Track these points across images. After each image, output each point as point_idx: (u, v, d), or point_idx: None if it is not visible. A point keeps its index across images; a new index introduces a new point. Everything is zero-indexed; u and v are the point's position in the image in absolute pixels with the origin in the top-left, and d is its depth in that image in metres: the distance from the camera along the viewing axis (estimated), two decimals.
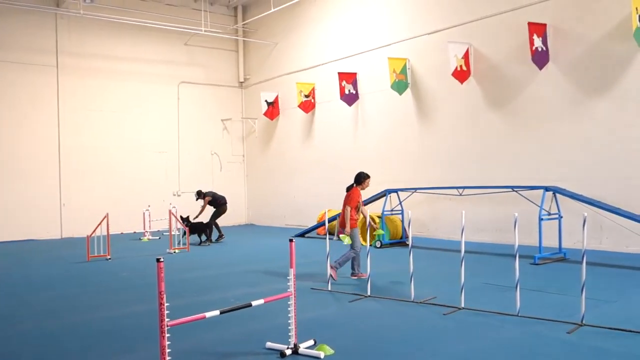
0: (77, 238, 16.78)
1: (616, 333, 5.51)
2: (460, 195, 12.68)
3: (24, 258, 12.77)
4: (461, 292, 6.66)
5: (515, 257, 6.31)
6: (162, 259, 4.14)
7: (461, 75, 13.44)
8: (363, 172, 9.07)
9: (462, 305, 6.63)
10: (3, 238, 16.43)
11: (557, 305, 6.79)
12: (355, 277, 8.99)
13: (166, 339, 4.09)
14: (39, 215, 17.24)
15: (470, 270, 6.78)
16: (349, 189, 9.03)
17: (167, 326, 4.11)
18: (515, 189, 11.56)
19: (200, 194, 15.53)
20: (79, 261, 11.88)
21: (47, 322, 6.65)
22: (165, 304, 4.12)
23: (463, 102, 13.82)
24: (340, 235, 8.82)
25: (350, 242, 8.65)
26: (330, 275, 8.26)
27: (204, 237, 14.87)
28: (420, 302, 7.03)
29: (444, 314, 6.43)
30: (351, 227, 8.75)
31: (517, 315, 6.17)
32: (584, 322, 5.75)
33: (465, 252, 6.78)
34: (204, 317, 4.52)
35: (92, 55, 18.35)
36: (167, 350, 4.11)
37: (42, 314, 7.09)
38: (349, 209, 8.74)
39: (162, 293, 4.10)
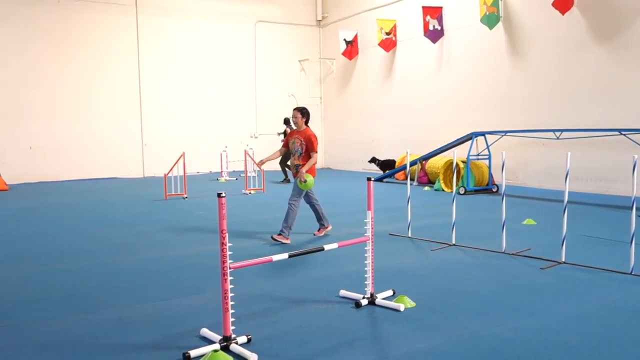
0: (158, 177, 17.03)
1: None
2: (557, 139, 11.52)
3: (106, 195, 13.01)
4: (562, 244, 5.86)
5: (632, 207, 5.43)
6: (223, 194, 3.68)
7: (563, 4, 11.99)
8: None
9: (563, 259, 5.84)
10: (91, 175, 16.96)
11: None
12: (322, 233, 7.80)
13: (228, 282, 3.68)
14: (122, 155, 17.60)
15: (568, 222, 5.93)
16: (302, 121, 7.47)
17: (230, 269, 3.68)
18: (624, 132, 10.29)
19: (287, 122, 15.11)
20: (156, 199, 11.92)
21: (121, 257, 6.54)
22: (228, 244, 3.67)
23: (563, 35, 12.39)
24: (306, 181, 7.20)
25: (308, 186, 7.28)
26: (279, 240, 7.16)
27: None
28: (513, 254, 6.30)
29: (542, 269, 5.68)
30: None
31: (631, 274, 5.33)
32: None
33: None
34: (271, 261, 4.08)
35: None
36: (230, 295, 3.71)
37: (116, 248, 7.00)
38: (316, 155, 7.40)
39: (224, 232, 3.66)
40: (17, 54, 15.92)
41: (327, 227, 7.83)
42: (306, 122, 7.51)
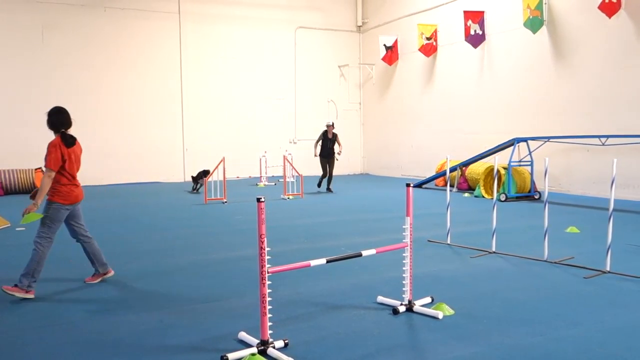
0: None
1: None
2: (603, 145, 11.21)
3: (148, 199, 13.31)
4: (607, 252, 5.70)
5: None
6: (263, 199, 3.72)
7: (610, 8, 11.68)
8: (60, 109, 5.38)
9: (608, 269, 5.68)
10: (133, 180, 17.39)
11: None
12: (96, 279, 5.67)
13: (266, 286, 3.72)
14: (164, 160, 17.99)
15: (614, 230, 5.77)
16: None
17: (268, 273, 3.72)
18: None
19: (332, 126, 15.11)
20: (197, 203, 12.12)
21: (161, 260, 6.66)
22: (267, 249, 3.72)
23: (610, 40, 12.06)
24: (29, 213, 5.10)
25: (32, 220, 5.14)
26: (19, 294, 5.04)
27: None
28: (555, 263, 6.16)
29: (585, 278, 5.54)
30: (52, 200, 5.23)
31: None
32: None
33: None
34: (309, 266, 4.10)
35: (212, 2, 18.43)
36: (268, 299, 3.74)
37: (157, 252, 7.14)
38: (52, 174, 5.13)
39: (263, 236, 3.71)
40: (63, 61, 16.49)
41: (107, 273, 5.72)
42: (56, 129, 5.27)
